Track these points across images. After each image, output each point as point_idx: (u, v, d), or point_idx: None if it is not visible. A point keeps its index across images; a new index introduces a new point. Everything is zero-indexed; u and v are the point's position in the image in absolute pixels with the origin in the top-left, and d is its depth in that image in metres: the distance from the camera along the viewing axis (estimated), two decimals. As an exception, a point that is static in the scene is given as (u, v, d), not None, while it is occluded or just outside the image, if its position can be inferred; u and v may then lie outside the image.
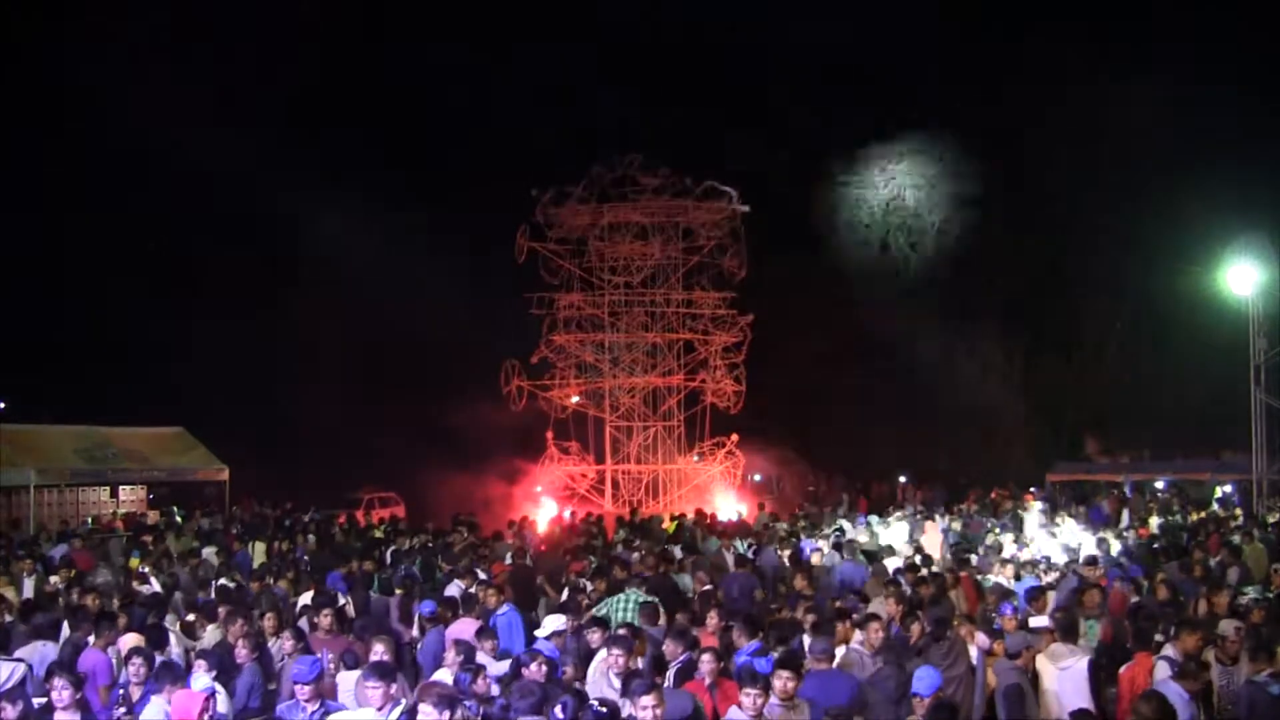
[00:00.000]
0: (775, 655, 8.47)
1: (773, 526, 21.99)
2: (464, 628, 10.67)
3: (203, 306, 38.98)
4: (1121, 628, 10.94)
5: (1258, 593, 12.64)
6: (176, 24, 39.98)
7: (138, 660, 8.90)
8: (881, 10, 44.80)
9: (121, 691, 9.03)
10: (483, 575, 14.45)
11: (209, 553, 18.20)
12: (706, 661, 8.49)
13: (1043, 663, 9.37)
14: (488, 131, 43.14)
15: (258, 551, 19.37)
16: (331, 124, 43.09)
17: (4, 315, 36.05)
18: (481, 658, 9.32)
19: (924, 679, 7.93)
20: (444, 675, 8.92)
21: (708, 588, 13.31)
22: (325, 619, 10.66)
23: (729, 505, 29.38)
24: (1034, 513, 24.72)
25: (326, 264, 40.09)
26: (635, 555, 16.59)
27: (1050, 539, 20.33)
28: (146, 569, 15.66)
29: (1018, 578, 14.55)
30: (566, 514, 27.53)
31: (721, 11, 44.60)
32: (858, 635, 9.91)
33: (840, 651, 9.48)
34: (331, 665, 9.50)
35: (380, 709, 7.66)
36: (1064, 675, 9.19)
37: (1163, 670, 8.81)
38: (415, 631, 12.15)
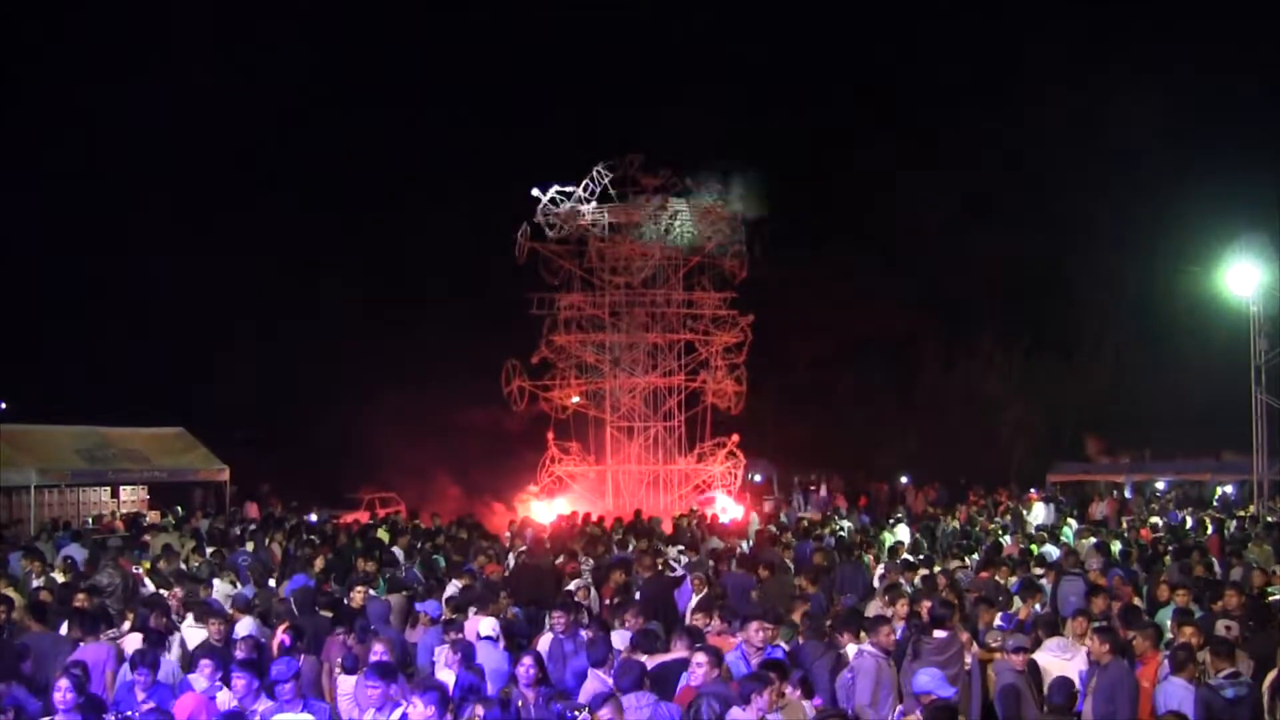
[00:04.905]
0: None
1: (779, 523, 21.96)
2: (466, 628, 10.65)
3: (203, 306, 39.01)
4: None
5: None
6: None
7: (138, 662, 8.88)
8: (883, 7, 44.95)
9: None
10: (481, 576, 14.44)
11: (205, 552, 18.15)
12: (701, 664, 8.22)
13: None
14: (488, 131, 43.21)
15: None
16: (330, 124, 43.14)
17: (5, 315, 36.04)
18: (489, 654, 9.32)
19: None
20: (446, 676, 8.92)
21: (703, 593, 13.23)
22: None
23: (729, 506, 29.35)
24: (1036, 512, 24.69)
25: (326, 263, 40.13)
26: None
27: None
28: (140, 570, 15.64)
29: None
30: (566, 515, 27.46)
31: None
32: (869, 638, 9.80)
33: (850, 651, 9.50)
34: (336, 668, 9.49)
35: (380, 710, 7.66)
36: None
37: (1166, 668, 8.86)
38: (416, 632, 12.12)
